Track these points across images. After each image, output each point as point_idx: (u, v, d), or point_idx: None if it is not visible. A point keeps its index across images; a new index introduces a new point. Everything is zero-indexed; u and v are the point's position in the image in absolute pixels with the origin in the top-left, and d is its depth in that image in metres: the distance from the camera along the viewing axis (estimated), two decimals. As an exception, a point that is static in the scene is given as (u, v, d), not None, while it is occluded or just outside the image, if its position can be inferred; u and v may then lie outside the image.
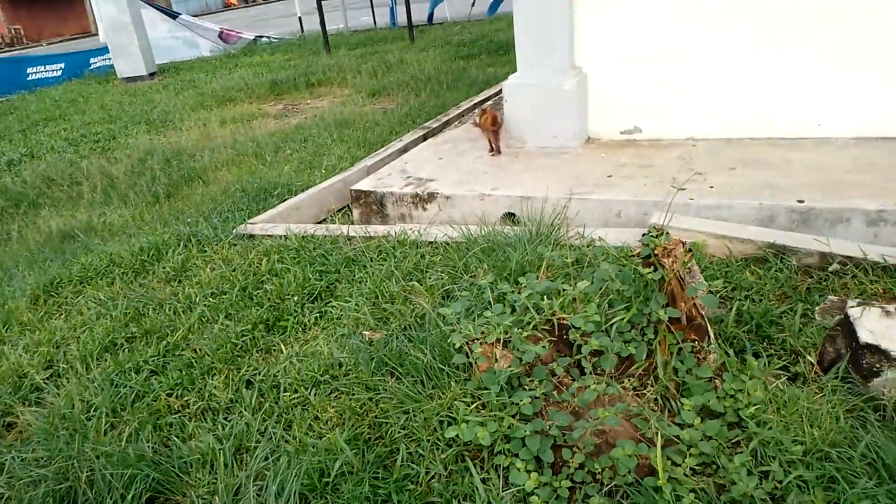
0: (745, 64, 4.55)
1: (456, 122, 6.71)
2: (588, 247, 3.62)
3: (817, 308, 3.02)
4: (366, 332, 3.17)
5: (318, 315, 3.39)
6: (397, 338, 2.95)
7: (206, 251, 4.29)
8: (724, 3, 4.48)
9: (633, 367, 2.59)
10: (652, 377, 2.57)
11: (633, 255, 2.73)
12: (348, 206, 5.28)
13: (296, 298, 3.52)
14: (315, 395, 2.73)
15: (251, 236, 4.46)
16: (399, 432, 2.45)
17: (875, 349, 2.51)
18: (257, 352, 3.15)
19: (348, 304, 3.36)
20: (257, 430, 2.57)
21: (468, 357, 2.57)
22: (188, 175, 6.38)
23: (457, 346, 2.57)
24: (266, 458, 2.40)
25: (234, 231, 4.54)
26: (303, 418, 2.61)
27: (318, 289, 3.59)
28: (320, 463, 2.32)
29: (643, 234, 2.65)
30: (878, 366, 2.49)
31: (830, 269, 3.29)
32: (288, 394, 2.77)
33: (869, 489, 2.04)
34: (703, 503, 2.05)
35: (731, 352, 2.66)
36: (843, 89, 4.36)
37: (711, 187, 4.08)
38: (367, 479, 2.27)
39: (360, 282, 3.69)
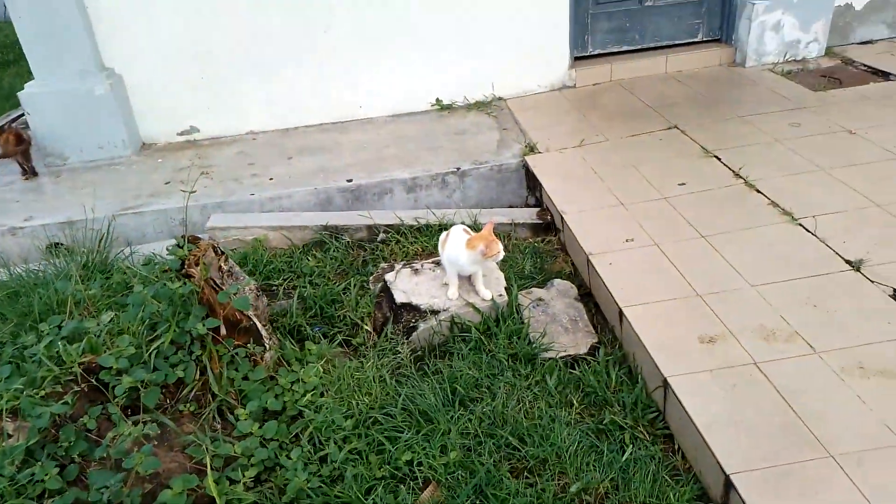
0: (283, 55, 4.60)
1: (-19, 145, 5.47)
2: (143, 265, 3.26)
3: (371, 277, 3.21)
4: None
5: None
6: None
7: None
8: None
9: (186, 390, 2.36)
10: (210, 395, 2.39)
11: (165, 271, 2.49)
12: None
13: None
14: None
15: None
16: None
17: (409, 306, 2.76)
18: None
19: None
20: None
21: (-38, 447, 2.02)
22: None
23: (-61, 439, 1.99)
24: None
25: None
26: None
27: None
28: None
29: (167, 247, 2.42)
30: (413, 321, 2.74)
31: (379, 239, 3.55)
32: None
33: (410, 439, 2.21)
34: (265, 513, 1.96)
35: (287, 343, 2.64)
36: (374, 73, 4.75)
37: (271, 179, 4.06)
38: None
39: None
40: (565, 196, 3.39)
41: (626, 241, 2.91)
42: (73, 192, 4.18)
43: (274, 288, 3.23)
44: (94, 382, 2.22)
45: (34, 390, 2.16)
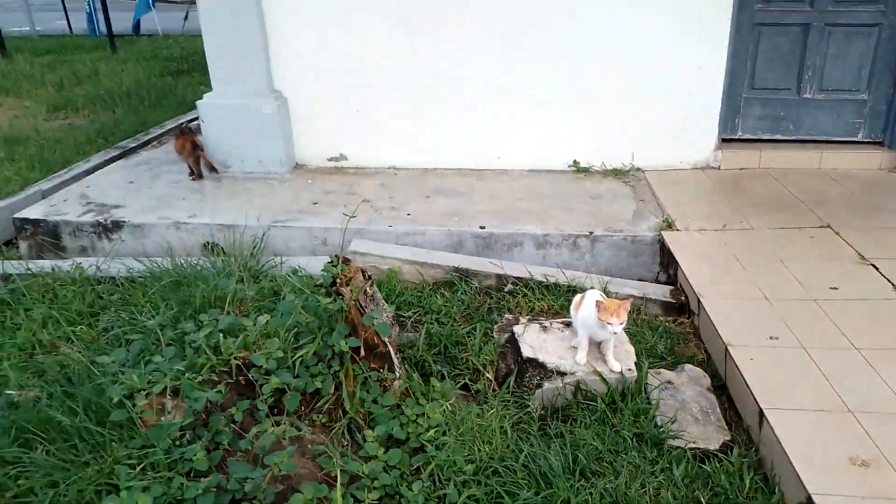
0: (435, 99, 4.87)
1: (156, 143, 6.09)
2: (293, 276, 3.49)
3: (496, 326, 3.27)
4: (11, 392, 2.60)
5: (-60, 379, 2.69)
6: (48, 396, 2.46)
7: None
8: (413, 44, 4.75)
9: (321, 401, 2.50)
10: (341, 410, 2.51)
11: (317, 286, 2.66)
12: (15, 238, 4.43)
13: None
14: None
15: None
16: (42, 513, 2.01)
17: (535, 362, 2.78)
18: None
19: (-14, 360, 2.72)
20: None
21: (130, 412, 2.23)
22: None
23: (115, 400, 2.21)
24: None
25: None
26: None
27: (-56, 345, 2.86)
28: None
29: (325, 264, 2.60)
30: (538, 378, 2.76)
31: (506, 289, 3.62)
32: None
33: (529, 499, 2.20)
34: (382, 538, 2.02)
35: (415, 376, 2.73)
36: (515, 127, 4.91)
37: (409, 214, 4.25)
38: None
39: (12, 329, 3.07)
40: (703, 279, 3.33)
41: (770, 338, 2.81)
42: (230, 198, 4.56)
43: (402, 319, 3.36)
44: (249, 377, 2.39)
45: (193, 374, 2.35)
